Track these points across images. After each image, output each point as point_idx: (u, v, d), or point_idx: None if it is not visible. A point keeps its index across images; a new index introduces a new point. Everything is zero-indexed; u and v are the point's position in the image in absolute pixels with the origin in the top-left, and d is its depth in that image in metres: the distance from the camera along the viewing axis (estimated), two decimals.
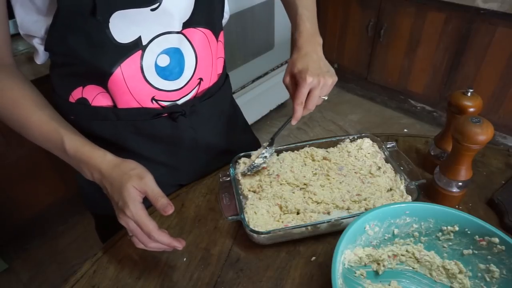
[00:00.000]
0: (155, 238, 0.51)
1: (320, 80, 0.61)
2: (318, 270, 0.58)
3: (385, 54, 2.30)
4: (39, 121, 0.56)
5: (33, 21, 0.53)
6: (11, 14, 0.54)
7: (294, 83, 0.65)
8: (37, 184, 1.52)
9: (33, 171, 1.46)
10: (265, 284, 0.57)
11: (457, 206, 0.67)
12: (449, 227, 0.52)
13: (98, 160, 0.54)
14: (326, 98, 0.66)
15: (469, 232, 0.51)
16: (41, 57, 0.58)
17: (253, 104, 2.13)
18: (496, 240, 0.49)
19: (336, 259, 0.46)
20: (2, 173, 1.41)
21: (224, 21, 0.72)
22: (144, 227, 0.50)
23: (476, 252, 0.52)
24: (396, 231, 0.54)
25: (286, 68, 0.66)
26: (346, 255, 0.50)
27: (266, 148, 0.70)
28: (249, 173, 0.68)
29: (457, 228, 0.52)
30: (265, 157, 0.69)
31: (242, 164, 0.71)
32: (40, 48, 0.57)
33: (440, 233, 0.53)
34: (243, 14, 1.79)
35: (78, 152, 0.55)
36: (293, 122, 0.65)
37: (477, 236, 0.51)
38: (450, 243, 0.53)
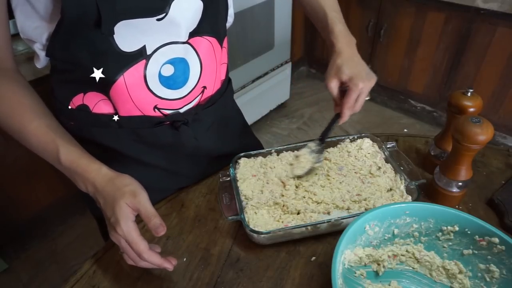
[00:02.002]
0: (145, 259, 0.50)
1: (368, 84, 0.63)
2: (318, 270, 0.58)
3: (385, 54, 2.30)
4: (36, 130, 0.55)
5: (34, 27, 0.53)
6: (11, 15, 0.54)
7: (339, 86, 0.66)
8: (37, 184, 1.52)
9: (33, 171, 1.46)
10: (265, 284, 0.57)
11: (457, 206, 0.67)
12: (449, 227, 0.52)
13: (93, 173, 0.53)
14: (368, 98, 0.68)
15: (469, 232, 0.51)
16: (41, 61, 0.57)
17: (253, 104, 2.13)
18: (496, 240, 0.49)
19: (336, 259, 0.46)
20: (2, 173, 1.41)
21: (228, 24, 0.71)
22: (134, 247, 0.50)
23: (476, 252, 0.52)
24: (396, 231, 0.54)
25: (329, 72, 0.66)
26: (346, 255, 0.50)
27: (318, 146, 0.69)
28: (306, 175, 0.67)
29: (457, 228, 0.52)
30: (319, 157, 0.69)
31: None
32: (41, 53, 0.56)
33: (440, 233, 0.53)
34: (243, 14, 1.79)
35: (74, 164, 0.54)
36: (341, 123, 0.67)
37: (477, 236, 0.51)
38: (450, 243, 0.53)
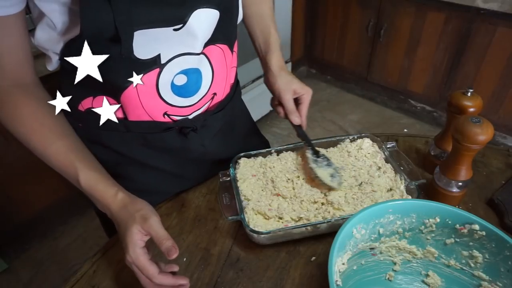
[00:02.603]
0: (156, 283, 0.50)
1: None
2: (318, 270, 0.58)
3: (385, 54, 2.30)
4: (56, 152, 0.55)
5: (48, 39, 0.53)
6: None
7: (280, 104, 0.75)
8: (37, 184, 1.52)
9: (33, 171, 1.46)
10: (265, 284, 0.57)
11: (457, 206, 0.67)
12: (431, 220, 0.53)
13: (109, 200, 0.54)
14: None
15: (449, 222, 0.52)
16: (53, 64, 0.57)
17: (253, 104, 2.11)
18: (476, 226, 0.50)
19: (332, 269, 0.45)
20: (2, 173, 1.41)
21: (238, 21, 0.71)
22: (144, 272, 0.50)
23: (458, 240, 0.53)
24: (381, 230, 0.54)
25: (278, 86, 0.74)
26: (338, 263, 0.50)
27: (315, 155, 0.71)
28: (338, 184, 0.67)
29: (438, 220, 0.53)
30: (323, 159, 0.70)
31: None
32: (54, 57, 0.56)
33: (423, 226, 0.54)
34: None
35: (92, 189, 0.55)
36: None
37: (457, 225, 0.52)
38: (433, 235, 0.54)
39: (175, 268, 0.55)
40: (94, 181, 0.55)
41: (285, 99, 0.73)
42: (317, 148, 0.73)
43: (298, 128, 0.74)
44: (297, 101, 0.74)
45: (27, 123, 0.55)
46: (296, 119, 0.73)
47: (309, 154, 0.71)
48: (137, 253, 0.50)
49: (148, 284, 0.51)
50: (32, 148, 0.56)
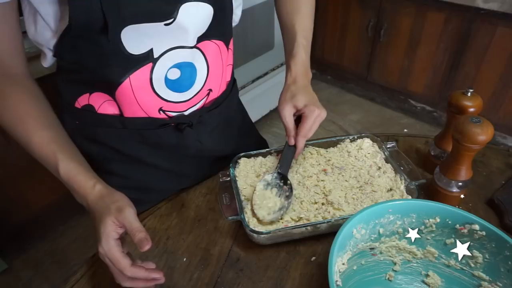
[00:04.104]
0: (128, 276, 0.49)
1: (323, 113, 0.64)
2: (318, 270, 0.58)
3: (385, 54, 2.30)
4: (39, 142, 0.55)
5: (41, 34, 0.53)
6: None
7: (292, 114, 0.65)
8: (37, 184, 1.52)
9: (33, 171, 1.46)
10: (265, 284, 0.57)
11: (457, 206, 0.67)
12: (430, 220, 0.53)
13: (87, 191, 0.54)
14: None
15: (449, 222, 0.52)
16: (48, 61, 0.58)
17: (253, 104, 2.13)
18: (476, 226, 0.50)
19: (331, 269, 0.45)
20: (2, 173, 1.41)
21: (234, 24, 0.70)
22: (116, 265, 0.49)
23: (458, 240, 0.53)
24: (381, 230, 0.54)
25: (283, 98, 0.65)
26: (338, 263, 0.50)
27: (277, 180, 0.65)
28: (271, 220, 0.61)
29: (438, 220, 0.53)
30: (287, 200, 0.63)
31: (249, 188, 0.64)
32: (49, 53, 0.56)
33: (423, 226, 0.54)
34: (243, 14, 1.78)
35: (70, 180, 0.54)
36: (297, 155, 0.66)
37: (457, 225, 0.52)
38: (433, 235, 0.54)
39: (151, 266, 0.54)
40: (73, 171, 0.55)
41: (281, 114, 0.65)
42: (289, 180, 0.65)
43: (287, 147, 0.66)
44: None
45: (12, 113, 0.55)
46: (291, 139, 0.65)
47: (270, 176, 0.65)
48: (110, 244, 0.49)
49: (121, 277, 0.51)
50: (16, 137, 0.56)
